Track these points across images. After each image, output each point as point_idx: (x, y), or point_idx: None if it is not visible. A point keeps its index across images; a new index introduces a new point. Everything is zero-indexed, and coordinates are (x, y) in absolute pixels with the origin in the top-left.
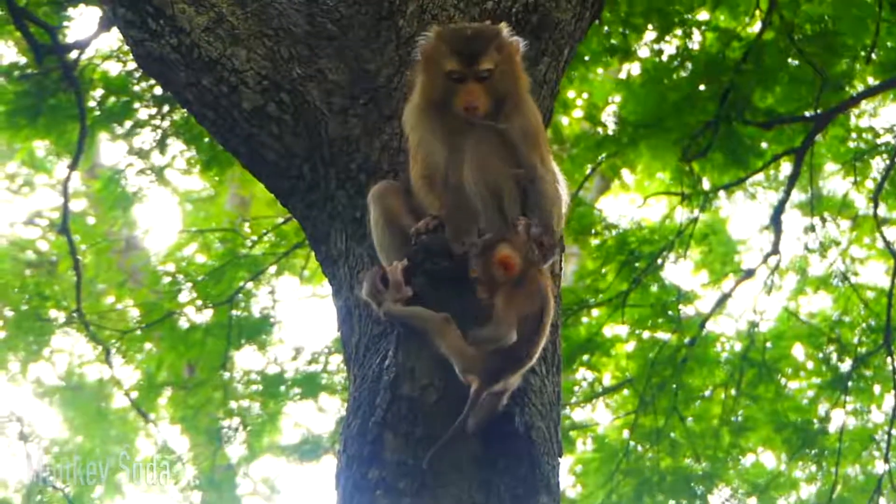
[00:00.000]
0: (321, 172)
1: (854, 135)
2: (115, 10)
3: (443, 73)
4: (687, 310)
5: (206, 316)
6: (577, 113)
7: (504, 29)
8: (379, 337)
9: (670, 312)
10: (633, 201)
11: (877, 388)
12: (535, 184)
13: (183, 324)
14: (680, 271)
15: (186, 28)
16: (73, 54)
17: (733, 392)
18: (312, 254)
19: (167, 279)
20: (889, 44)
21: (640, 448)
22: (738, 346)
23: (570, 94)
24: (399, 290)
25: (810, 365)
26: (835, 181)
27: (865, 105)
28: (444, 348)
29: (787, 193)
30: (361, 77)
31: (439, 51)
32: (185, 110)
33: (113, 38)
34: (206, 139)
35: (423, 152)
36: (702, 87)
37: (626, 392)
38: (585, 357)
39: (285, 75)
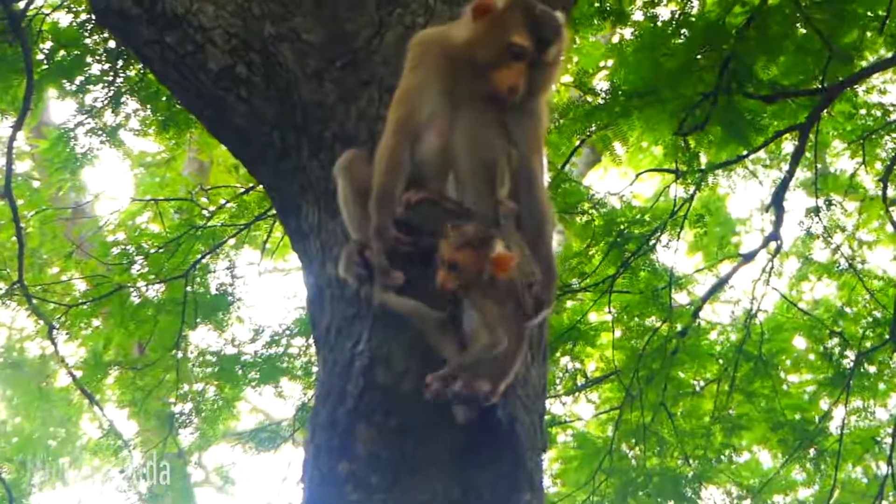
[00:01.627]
0: (292, 140)
1: (863, 111)
2: None
3: (504, 42)
4: (679, 296)
5: (159, 291)
6: (566, 78)
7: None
8: (352, 319)
9: (661, 300)
10: (625, 176)
11: (881, 386)
12: (532, 195)
13: (134, 299)
14: (672, 254)
15: None
16: (21, 3)
17: (727, 387)
18: (275, 226)
19: (117, 250)
20: None
21: (624, 446)
22: (733, 337)
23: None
24: (388, 277)
25: (811, 358)
26: (842, 160)
27: (875, 79)
28: (438, 349)
29: (791, 173)
30: (338, 38)
31: (510, 18)
32: (141, 66)
33: None
34: (164, 98)
35: (410, 104)
36: (700, 56)
37: (611, 385)
38: (568, 345)
39: (256, 34)
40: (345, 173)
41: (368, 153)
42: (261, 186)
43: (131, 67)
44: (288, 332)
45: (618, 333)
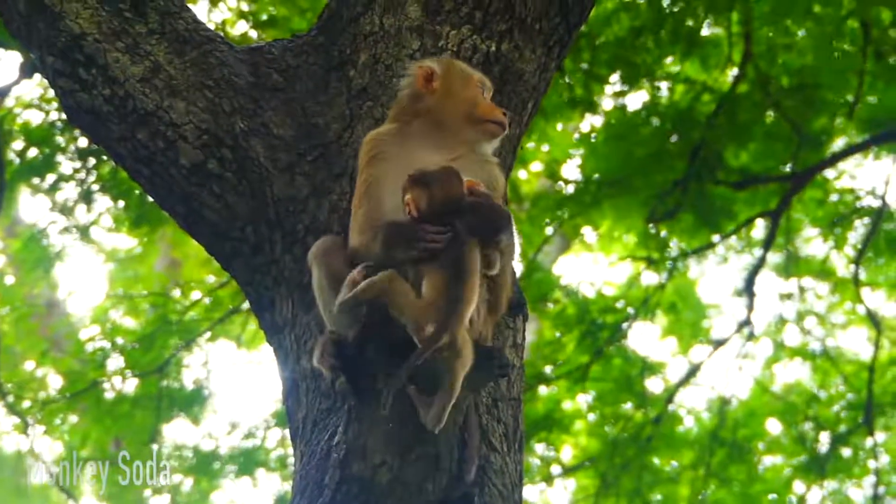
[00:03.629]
0: (266, 234)
1: (834, 196)
2: (44, 59)
3: (471, 82)
4: (653, 382)
5: (134, 386)
6: (536, 166)
7: None
8: (327, 411)
9: (635, 387)
10: (596, 262)
11: (856, 469)
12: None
13: (109, 394)
14: (645, 338)
15: (120, 78)
16: None
17: (702, 473)
18: (250, 320)
19: (92, 346)
20: (872, 98)
21: None
22: (707, 418)
23: (529, 145)
24: (353, 284)
25: (784, 441)
26: (813, 244)
27: (845, 164)
28: (398, 307)
29: (762, 259)
30: (309, 132)
31: (455, 68)
32: (113, 164)
33: (34, 86)
34: (136, 195)
35: (373, 198)
36: (670, 144)
37: (586, 472)
38: (543, 433)
39: (227, 129)
40: (319, 261)
41: (343, 240)
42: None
43: (103, 164)
44: (264, 424)
45: (592, 419)
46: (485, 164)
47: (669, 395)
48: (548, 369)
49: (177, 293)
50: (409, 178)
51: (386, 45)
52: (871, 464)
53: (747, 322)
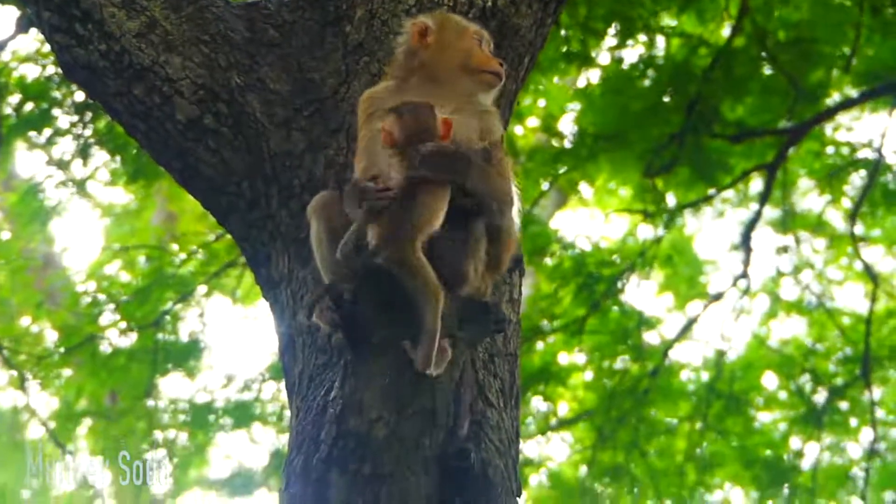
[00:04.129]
0: (262, 189)
1: (830, 149)
2: (40, 14)
3: (467, 33)
4: (650, 336)
5: (130, 340)
6: (532, 121)
7: None
8: (324, 367)
9: (631, 340)
10: (593, 216)
11: (853, 422)
12: None
13: (105, 348)
14: (642, 294)
15: (116, 33)
16: None
17: (699, 426)
18: (246, 274)
19: (88, 300)
20: (869, 52)
21: (598, 486)
22: (705, 376)
23: (525, 101)
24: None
25: (782, 395)
26: (810, 198)
27: (842, 117)
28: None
29: (758, 213)
30: (305, 87)
31: (450, 21)
32: (109, 118)
33: (31, 40)
34: (133, 149)
35: (371, 155)
36: (666, 98)
37: (583, 425)
38: (540, 386)
39: (223, 84)
40: (318, 214)
41: (340, 195)
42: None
43: (99, 119)
44: (260, 377)
45: (589, 374)
46: (483, 115)
47: (666, 348)
48: (544, 323)
49: (173, 247)
50: (386, 110)
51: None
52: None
53: (744, 276)
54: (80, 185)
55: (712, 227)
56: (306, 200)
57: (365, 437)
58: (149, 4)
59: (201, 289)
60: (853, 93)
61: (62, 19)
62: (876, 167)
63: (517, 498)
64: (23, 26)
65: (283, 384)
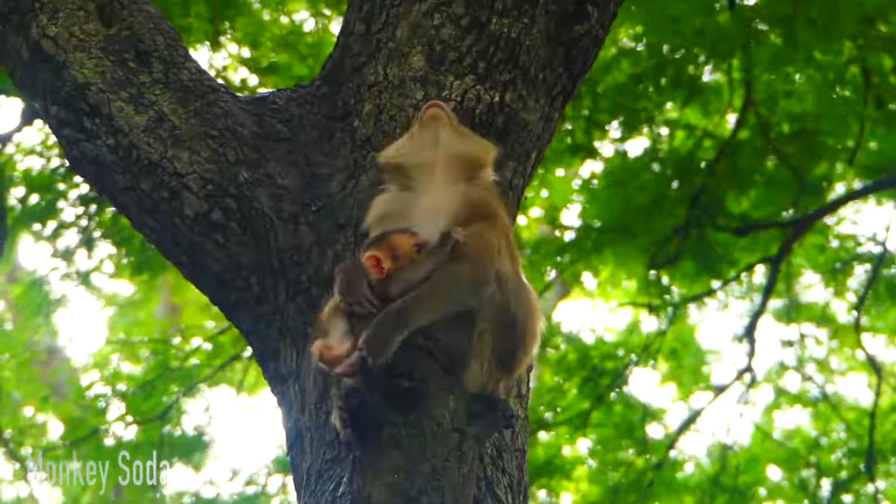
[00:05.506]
0: (270, 284)
1: (834, 242)
2: (47, 108)
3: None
4: (653, 429)
5: (135, 432)
6: (535, 212)
7: None
8: (332, 462)
9: (635, 433)
10: (595, 307)
11: None
12: None
13: (109, 441)
14: (645, 383)
15: (125, 128)
16: None
17: None
18: (251, 366)
19: (94, 392)
20: (873, 144)
21: None
22: (708, 466)
23: (529, 193)
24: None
25: (786, 486)
26: (814, 290)
27: (846, 210)
28: None
29: (763, 305)
30: (313, 182)
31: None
32: (115, 211)
33: (36, 132)
34: (138, 242)
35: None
36: (671, 190)
37: None
38: (544, 479)
39: (231, 179)
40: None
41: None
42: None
43: (104, 212)
44: (266, 470)
45: (593, 465)
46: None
47: (671, 442)
48: (548, 416)
49: (177, 340)
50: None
51: (390, 95)
52: None
53: (749, 368)
54: (85, 277)
55: (715, 318)
56: (314, 295)
57: None
58: (157, 99)
59: (206, 381)
60: (857, 185)
61: (70, 113)
62: (880, 260)
63: None
64: (28, 118)
65: (289, 478)
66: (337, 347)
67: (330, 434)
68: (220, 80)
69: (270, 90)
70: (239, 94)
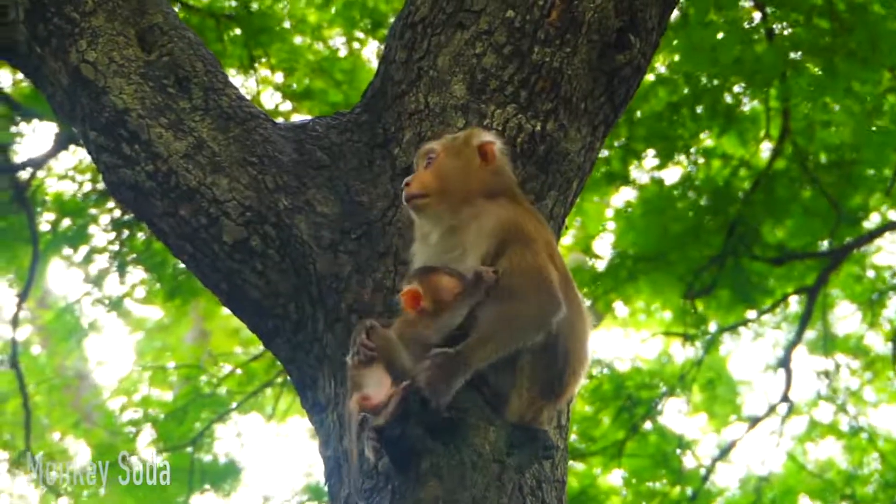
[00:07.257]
0: (308, 312)
1: (871, 273)
2: (86, 133)
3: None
4: (687, 458)
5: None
6: (567, 239)
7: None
8: (370, 491)
9: (670, 463)
10: (627, 336)
11: None
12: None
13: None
14: (677, 412)
15: (164, 154)
16: (25, 173)
17: None
18: (284, 393)
19: (124, 418)
20: None
21: None
22: (741, 496)
23: None
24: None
25: None
26: (850, 321)
27: (882, 240)
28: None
29: (798, 336)
30: (353, 210)
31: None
32: (146, 235)
33: (68, 157)
34: (170, 267)
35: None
36: (707, 219)
37: None
38: None
39: (270, 206)
40: None
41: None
42: (268, 354)
43: (136, 236)
44: (297, 499)
45: (627, 496)
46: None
47: (707, 473)
48: (582, 445)
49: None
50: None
51: (431, 123)
52: None
53: (785, 398)
54: (116, 303)
55: (745, 348)
56: (353, 324)
57: None
58: (196, 125)
59: (237, 407)
60: (894, 215)
61: (109, 139)
62: None
63: None
64: (62, 143)
65: None
66: (374, 396)
67: (368, 463)
68: (262, 111)
69: (310, 117)
70: (278, 121)
